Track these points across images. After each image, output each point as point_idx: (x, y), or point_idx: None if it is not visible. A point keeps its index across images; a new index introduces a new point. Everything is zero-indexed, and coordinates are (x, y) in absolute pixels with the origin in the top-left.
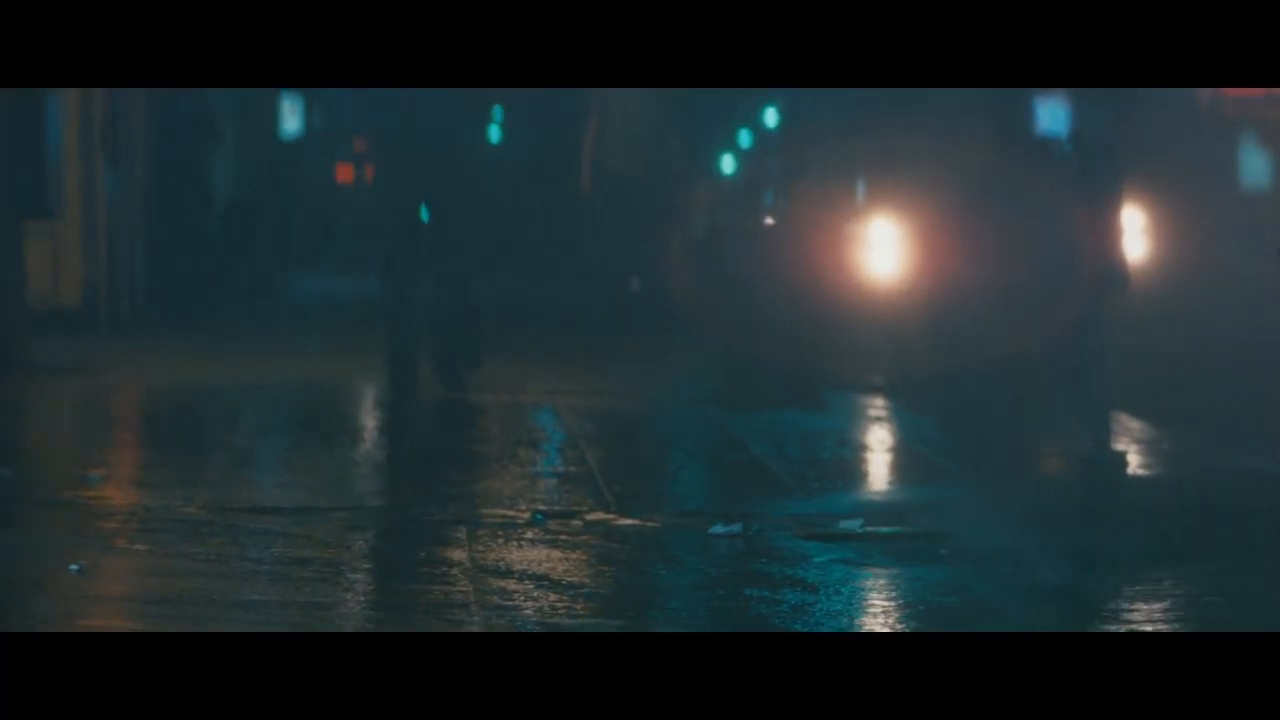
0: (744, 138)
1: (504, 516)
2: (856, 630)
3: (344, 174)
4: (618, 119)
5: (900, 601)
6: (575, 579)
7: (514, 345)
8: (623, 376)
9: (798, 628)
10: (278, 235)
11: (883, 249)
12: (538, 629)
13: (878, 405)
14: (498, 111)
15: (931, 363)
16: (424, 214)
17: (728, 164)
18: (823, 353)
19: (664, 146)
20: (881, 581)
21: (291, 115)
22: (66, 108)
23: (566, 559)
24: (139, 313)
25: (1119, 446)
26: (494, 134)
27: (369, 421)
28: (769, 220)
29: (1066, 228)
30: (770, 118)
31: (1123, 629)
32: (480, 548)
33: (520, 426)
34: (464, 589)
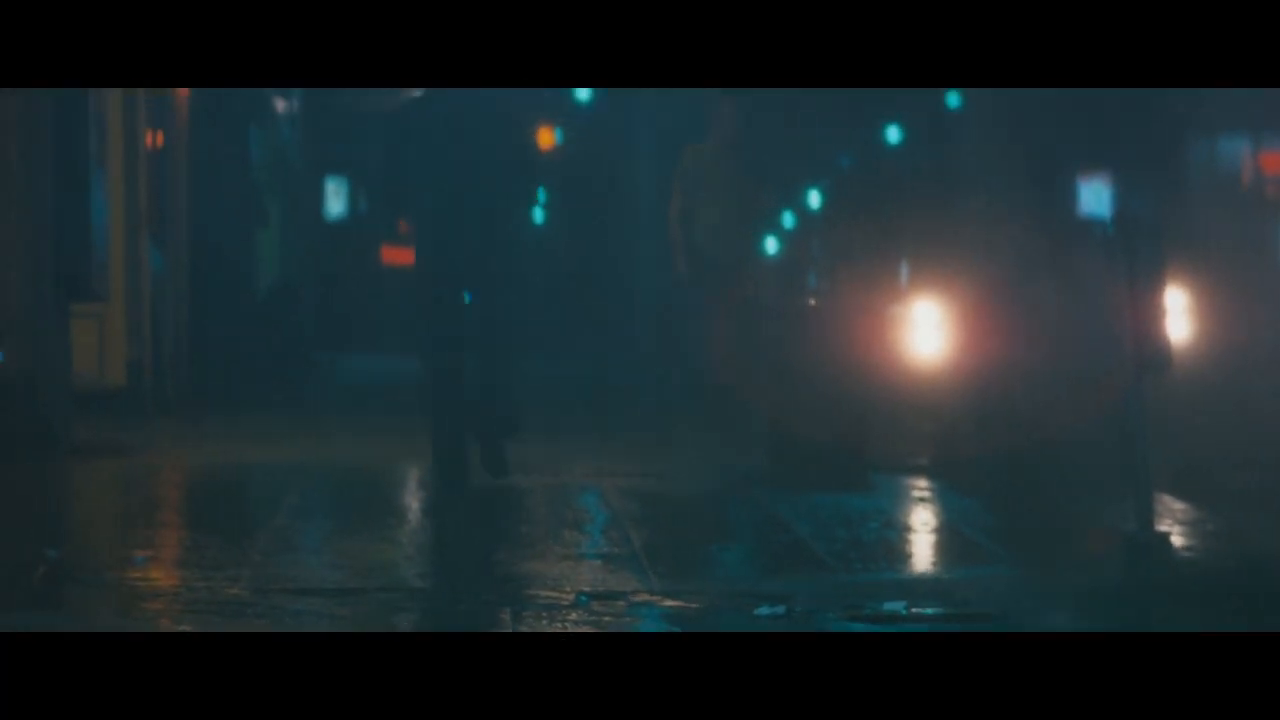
0: (786, 218)
1: (548, 598)
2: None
3: (390, 255)
4: (704, 198)
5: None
6: None
7: (559, 426)
8: (668, 457)
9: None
10: (323, 317)
11: (926, 330)
12: None
13: (922, 486)
14: (541, 193)
15: (976, 443)
16: (466, 296)
17: (770, 245)
18: (867, 433)
19: (746, 227)
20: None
21: (336, 197)
22: (111, 190)
23: None
24: (184, 394)
25: (1163, 527)
26: (538, 215)
27: (413, 503)
28: (812, 301)
29: (1108, 308)
30: (813, 199)
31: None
32: (525, 630)
33: (565, 508)
34: None
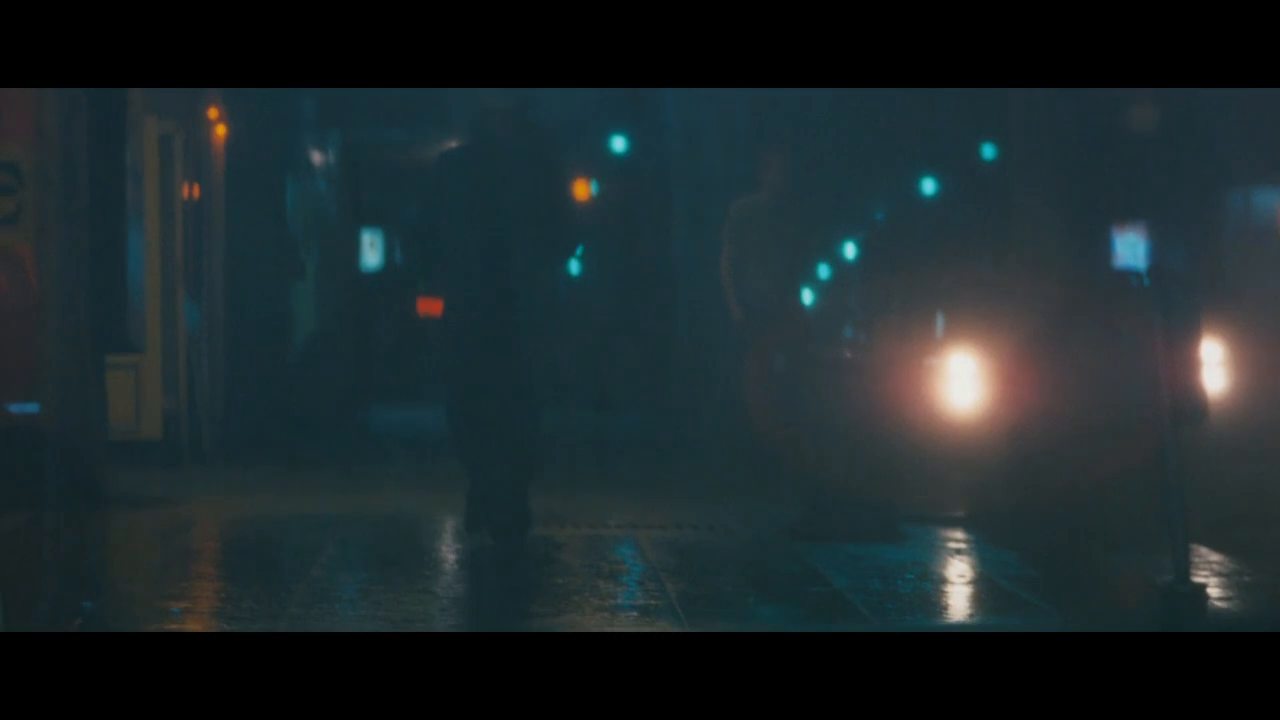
0: (822, 270)
1: None
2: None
3: (425, 307)
4: (754, 248)
5: None
6: None
7: (594, 477)
8: (704, 507)
9: None
10: (359, 368)
11: (961, 381)
12: None
13: (957, 538)
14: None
15: (1011, 495)
16: (494, 347)
17: (806, 296)
18: (902, 485)
19: (791, 278)
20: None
21: (372, 249)
22: (148, 241)
23: None
24: (220, 445)
25: (1199, 578)
26: (574, 266)
27: (448, 554)
28: (848, 353)
29: (1144, 360)
30: (849, 250)
31: None
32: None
33: (600, 559)
34: None
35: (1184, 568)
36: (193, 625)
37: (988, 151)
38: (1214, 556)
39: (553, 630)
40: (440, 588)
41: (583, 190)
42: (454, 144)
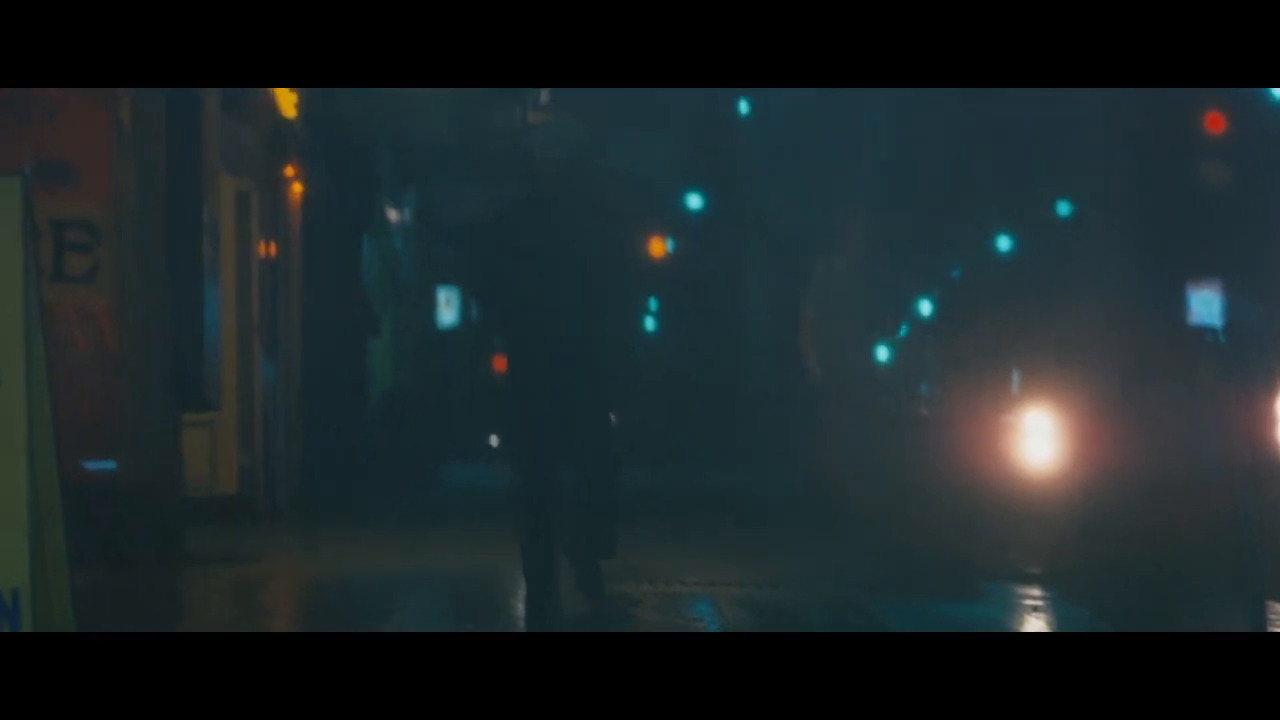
0: (900, 327)
1: None
2: None
3: (501, 364)
4: (833, 309)
5: None
6: None
7: (670, 533)
8: (780, 564)
9: None
10: (434, 425)
11: (1037, 438)
12: None
13: (1034, 595)
14: (653, 302)
15: (1088, 551)
16: (564, 402)
17: (883, 353)
18: (979, 541)
19: (868, 337)
20: None
21: (447, 306)
22: (224, 298)
23: None
24: (295, 502)
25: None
26: (649, 323)
27: (521, 611)
28: (924, 410)
29: (1220, 416)
30: (925, 307)
31: None
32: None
33: (677, 618)
34: None
35: (1260, 623)
36: None
37: (1063, 208)
38: None
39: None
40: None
41: (659, 247)
42: (511, 196)
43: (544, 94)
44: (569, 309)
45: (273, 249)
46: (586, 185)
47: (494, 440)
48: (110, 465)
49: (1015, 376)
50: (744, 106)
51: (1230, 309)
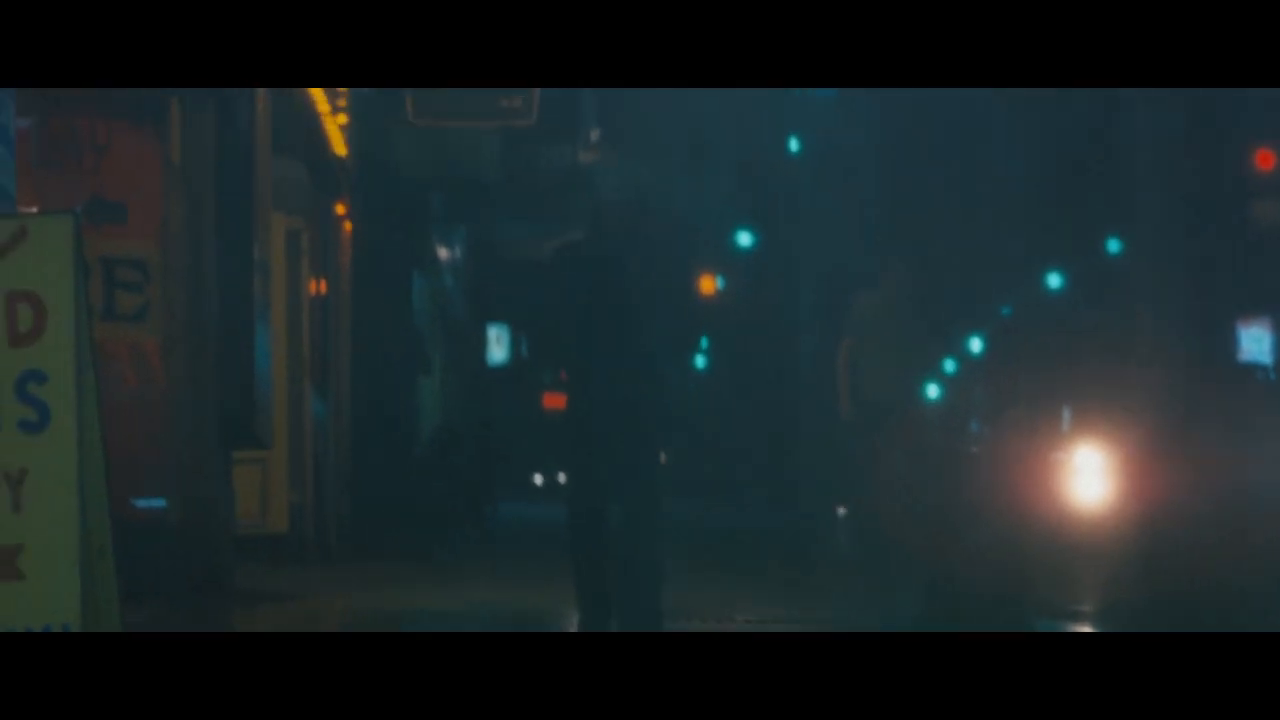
0: (948, 364)
1: None
2: None
3: (551, 402)
4: (872, 344)
5: None
6: None
7: (719, 569)
8: (828, 601)
9: None
10: (485, 463)
11: (1088, 475)
12: None
13: (1085, 632)
14: (704, 340)
15: (1139, 588)
16: (618, 441)
17: (932, 390)
18: (1030, 578)
19: (912, 373)
20: None
21: (498, 344)
22: (275, 336)
23: None
24: (346, 540)
25: None
26: (700, 361)
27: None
28: (974, 447)
29: (1271, 453)
30: (975, 345)
31: None
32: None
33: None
34: None
35: None
36: None
37: (1113, 246)
38: None
39: None
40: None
41: (709, 285)
42: (572, 237)
43: (594, 133)
44: (627, 347)
45: (323, 287)
46: (648, 227)
47: (538, 479)
48: (161, 503)
49: (1066, 414)
50: (794, 144)
51: (1279, 345)
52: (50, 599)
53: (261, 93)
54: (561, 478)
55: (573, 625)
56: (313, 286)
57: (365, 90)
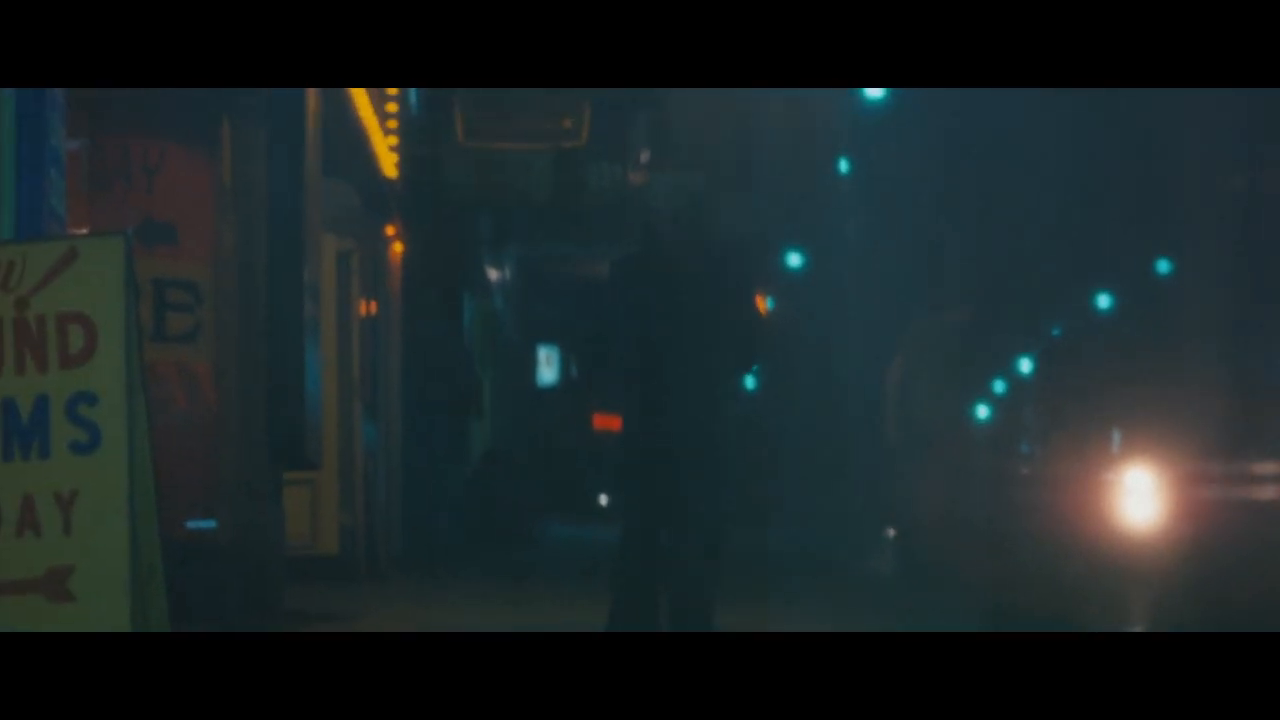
0: (998, 386)
1: None
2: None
3: (601, 422)
4: (934, 366)
5: None
6: None
7: (768, 593)
8: (875, 624)
9: None
10: (534, 484)
11: (1138, 496)
12: None
13: None
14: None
15: (1189, 611)
16: (675, 461)
17: (982, 411)
18: (1079, 599)
19: (961, 396)
20: None
21: (548, 365)
22: (325, 357)
23: None
24: (396, 561)
25: None
26: (750, 382)
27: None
28: (1024, 469)
29: None
30: (1025, 366)
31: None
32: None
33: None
34: None
35: None
36: None
37: (1163, 266)
38: None
39: None
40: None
41: (760, 305)
42: (627, 250)
43: (643, 154)
44: (686, 363)
45: (373, 308)
46: (704, 238)
47: (604, 499)
48: (211, 524)
49: (1116, 435)
50: (844, 165)
51: None
52: (101, 620)
53: (312, 114)
54: (614, 499)
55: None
56: (363, 307)
57: (415, 112)
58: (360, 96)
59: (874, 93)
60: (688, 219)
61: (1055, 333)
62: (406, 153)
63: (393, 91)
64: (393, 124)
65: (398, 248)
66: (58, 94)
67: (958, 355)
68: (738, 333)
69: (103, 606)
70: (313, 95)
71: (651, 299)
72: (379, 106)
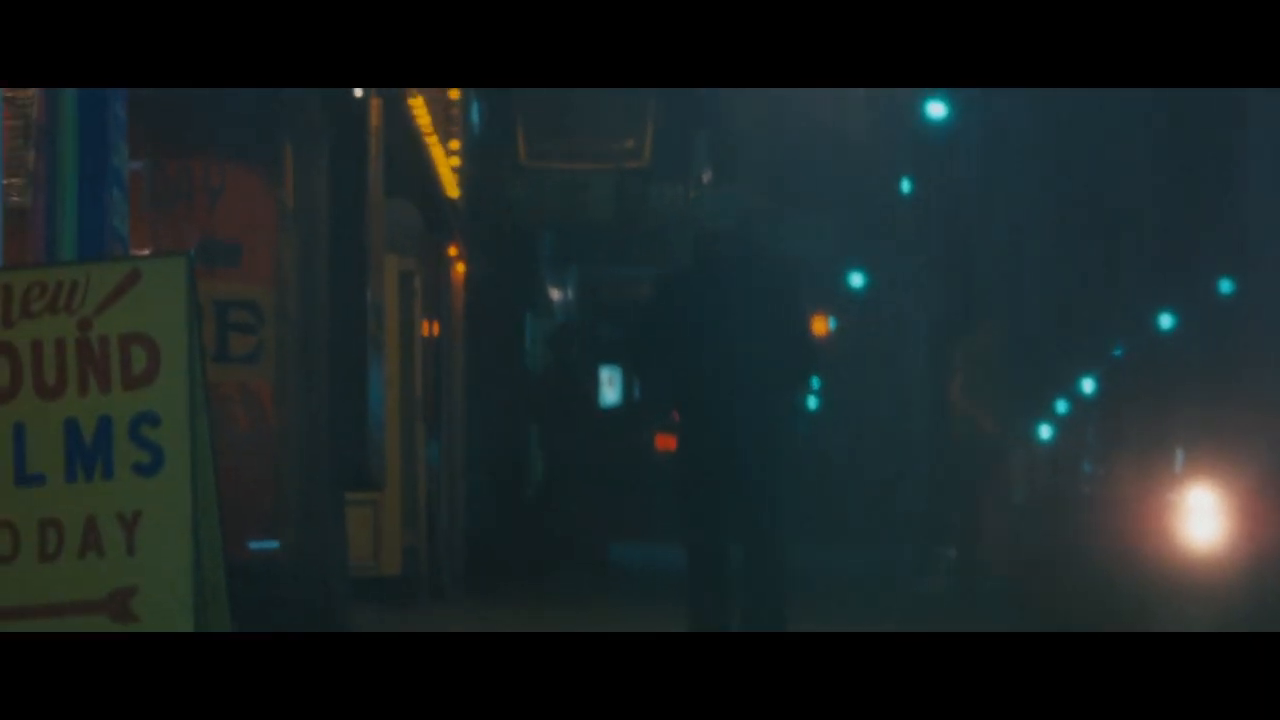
0: (1061, 405)
1: None
2: None
3: (663, 443)
4: (997, 386)
5: None
6: None
7: (833, 610)
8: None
9: None
10: (596, 505)
11: (1201, 516)
12: None
13: None
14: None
15: (1254, 630)
16: (737, 479)
17: (1045, 431)
18: (1142, 618)
19: (1017, 411)
20: None
21: (610, 385)
22: (388, 377)
23: None
24: (459, 581)
25: None
26: (812, 402)
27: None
28: (1085, 488)
29: None
30: (1087, 386)
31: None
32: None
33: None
34: None
35: None
36: None
37: (1225, 286)
38: None
39: None
40: None
41: (821, 326)
42: (676, 267)
43: (705, 174)
44: (737, 379)
45: (436, 328)
46: (752, 254)
47: (659, 520)
48: (274, 545)
49: (1179, 455)
50: (905, 185)
51: None
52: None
53: (374, 134)
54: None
55: None
56: (425, 328)
57: (478, 132)
58: (422, 116)
59: (936, 112)
60: (737, 235)
61: (1117, 352)
62: (469, 173)
63: (455, 111)
64: (455, 144)
65: (460, 268)
66: (120, 113)
67: (1020, 376)
68: (790, 349)
69: (165, 627)
70: (375, 114)
71: (700, 313)
72: (441, 126)
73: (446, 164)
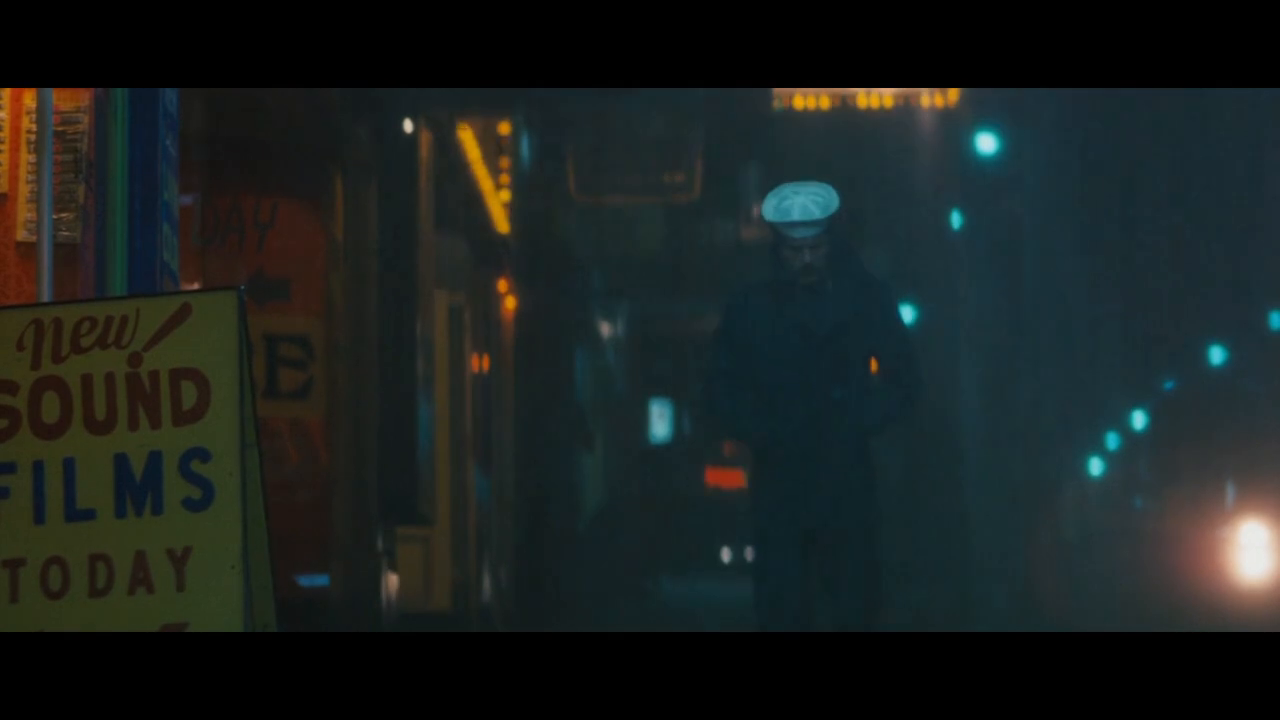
0: (1111, 440)
1: None
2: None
3: (714, 478)
4: (1047, 420)
5: None
6: None
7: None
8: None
9: None
10: (647, 540)
11: (1253, 552)
12: None
13: None
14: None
15: None
16: (809, 520)
17: (1095, 466)
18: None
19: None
20: None
21: (660, 420)
22: (438, 412)
23: None
24: (509, 617)
25: None
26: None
27: None
28: (1137, 524)
29: None
30: (1138, 420)
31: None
32: None
33: None
34: None
35: None
36: None
37: (1276, 320)
38: None
39: None
40: None
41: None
42: (755, 279)
43: (755, 207)
44: (825, 392)
45: (485, 362)
46: (835, 256)
47: (724, 555)
48: (323, 580)
49: (1230, 489)
50: (956, 219)
51: None
52: None
53: (424, 168)
54: (748, 553)
55: None
56: (475, 362)
57: (527, 166)
58: (472, 150)
59: (986, 146)
60: (816, 239)
61: (1167, 386)
62: (518, 207)
63: (505, 144)
64: (505, 178)
65: (509, 302)
66: (171, 149)
67: (1071, 410)
68: (891, 362)
69: None
70: (424, 148)
71: (782, 329)
72: (491, 160)
73: (496, 198)
